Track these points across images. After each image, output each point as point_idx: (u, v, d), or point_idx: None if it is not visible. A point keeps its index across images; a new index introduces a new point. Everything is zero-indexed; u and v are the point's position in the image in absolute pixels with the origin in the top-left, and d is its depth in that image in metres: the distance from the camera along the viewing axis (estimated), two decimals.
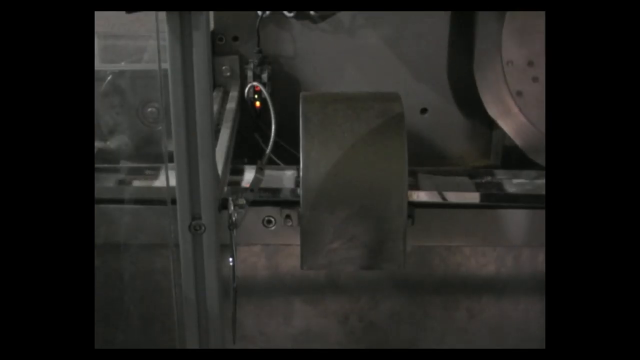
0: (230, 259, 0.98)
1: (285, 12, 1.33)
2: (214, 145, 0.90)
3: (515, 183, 1.19)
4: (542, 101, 1.22)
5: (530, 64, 1.23)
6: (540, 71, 1.23)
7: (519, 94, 1.24)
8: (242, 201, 1.01)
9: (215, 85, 1.37)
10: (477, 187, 1.18)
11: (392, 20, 1.36)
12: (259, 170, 1.10)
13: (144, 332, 1.21)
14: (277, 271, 1.21)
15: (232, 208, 0.99)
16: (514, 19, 1.22)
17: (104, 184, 1.16)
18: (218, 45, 1.37)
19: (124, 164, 1.28)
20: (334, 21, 1.36)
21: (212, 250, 0.91)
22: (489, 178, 1.21)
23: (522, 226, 1.13)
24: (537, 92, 1.23)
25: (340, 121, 0.96)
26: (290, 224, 1.09)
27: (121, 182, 1.18)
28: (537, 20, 1.20)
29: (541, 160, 1.27)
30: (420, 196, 1.13)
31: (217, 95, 1.33)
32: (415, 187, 1.17)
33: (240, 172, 1.18)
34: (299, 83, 1.39)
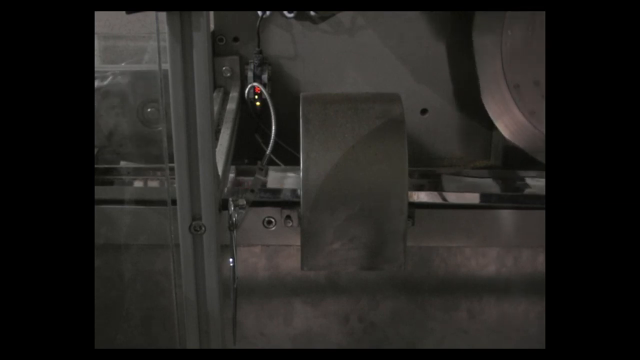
0: (231, 260, 0.99)
1: (286, 13, 1.33)
2: (214, 145, 0.90)
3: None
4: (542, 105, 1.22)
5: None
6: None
7: (517, 86, 1.23)
8: (242, 202, 1.01)
9: (215, 85, 1.37)
10: (505, 189, 1.19)
11: (392, 21, 1.36)
12: (259, 171, 1.10)
13: (144, 332, 1.21)
14: (278, 272, 1.21)
15: (232, 209, 0.99)
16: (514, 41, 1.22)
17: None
18: (218, 46, 1.37)
19: (124, 164, 1.29)
20: (334, 22, 1.36)
21: (213, 250, 0.91)
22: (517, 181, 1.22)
23: (522, 226, 1.13)
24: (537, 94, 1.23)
25: (340, 122, 0.96)
26: (290, 224, 1.09)
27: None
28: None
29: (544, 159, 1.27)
30: (420, 197, 1.14)
31: (217, 95, 1.33)
32: (440, 188, 1.18)
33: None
34: (299, 84, 1.39)
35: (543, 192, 1.15)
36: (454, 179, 1.23)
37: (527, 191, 1.19)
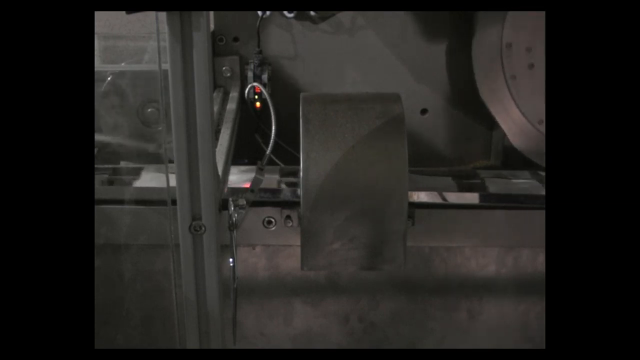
0: (231, 260, 0.99)
1: (286, 13, 1.33)
2: (214, 145, 0.90)
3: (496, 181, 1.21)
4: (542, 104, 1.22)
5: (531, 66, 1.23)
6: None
7: (515, 79, 1.23)
8: (242, 202, 1.01)
9: (215, 85, 1.37)
10: (460, 188, 1.19)
11: (392, 21, 1.36)
12: (259, 171, 1.10)
13: (144, 332, 1.21)
14: (278, 272, 1.21)
15: (232, 209, 0.99)
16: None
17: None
18: (218, 46, 1.38)
19: (124, 164, 1.29)
20: (334, 22, 1.36)
21: (213, 250, 0.91)
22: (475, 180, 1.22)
23: (522, 226, 1.13)
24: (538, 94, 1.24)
25: (340, 122, 0.96)
26: (290, 224, 1.09)
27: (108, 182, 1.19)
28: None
29: (541, 161, 1.27)
30: (420, 197, 1.14)
31: (217, 95, 1.33)
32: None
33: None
34: (299, 84, 1.39)
35: (543, 192, 1.15)
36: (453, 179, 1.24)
37: (527, 191, 1.19)
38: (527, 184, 1.23)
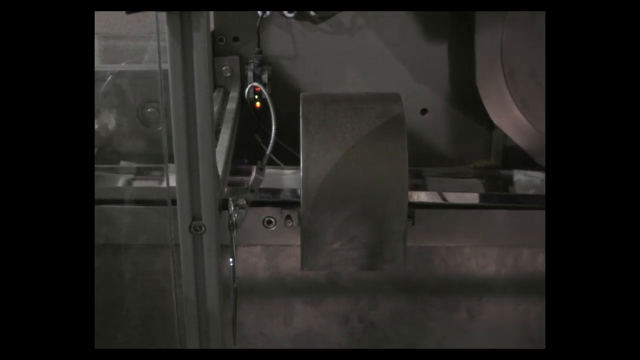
0: (231, 260, 0.99)
1: (286, 13, 1.33)
2: (214, 145, 0.90)
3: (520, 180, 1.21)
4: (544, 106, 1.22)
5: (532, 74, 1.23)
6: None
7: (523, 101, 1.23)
8: (242, 202, 1.01)
9: (215, 85, 1.37)
10: (486, 188, 1.19)
11: (393, 21, 1.36)
12: (259, 171, 1.10)
13: (144, 332, 1.21)
14: (278, 272, 1.21)
15: (232, 208, 0.99)
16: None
17: (110, 183, 1.17)
18: (218, 46, 1.38)
19: (124, 164, 1.29)
20: (334, 22, 1.36)
21: (213, 250, 0.91)
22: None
23: (522, 226, 1.13)
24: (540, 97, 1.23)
25: (340, 122, 0.96)
26: (290, 224, 1.10)
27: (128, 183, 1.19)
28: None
29: (543, 161, 1.27)
30: (421, 196, 1.14)
31: (217, 95, 1.33)
32: (423, 188, 1.18)
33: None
34: (299, 84, 1.39)
35: (542, 191, 1.15)
36: (454, 179, 1.24)
37: (523, 191, 1.19)
38: (471, 181, 1.24)
